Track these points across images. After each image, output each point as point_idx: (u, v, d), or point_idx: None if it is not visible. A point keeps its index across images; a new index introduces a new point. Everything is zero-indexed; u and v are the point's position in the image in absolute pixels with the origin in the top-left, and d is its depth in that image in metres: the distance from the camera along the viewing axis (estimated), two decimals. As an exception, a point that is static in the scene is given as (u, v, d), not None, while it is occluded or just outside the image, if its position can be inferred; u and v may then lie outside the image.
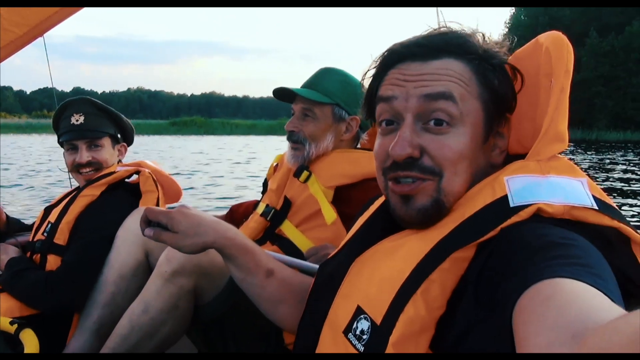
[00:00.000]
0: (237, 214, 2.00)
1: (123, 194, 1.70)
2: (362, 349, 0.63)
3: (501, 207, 0.60)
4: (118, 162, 1.80)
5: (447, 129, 0.67)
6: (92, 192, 1.64)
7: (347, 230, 1.44)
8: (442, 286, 0.59)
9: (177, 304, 1.23)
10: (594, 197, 0.60)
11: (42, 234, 1.63)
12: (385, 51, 0.74)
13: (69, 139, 1.69)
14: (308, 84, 1.58)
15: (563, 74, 0.67)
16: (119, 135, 1.79)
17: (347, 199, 1.49)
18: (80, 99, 1.76)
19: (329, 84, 1.55)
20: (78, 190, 1.67)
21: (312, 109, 1.53)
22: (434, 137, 0.68)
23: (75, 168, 1.71)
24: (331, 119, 1.54)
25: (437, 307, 0.59)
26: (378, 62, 0.76)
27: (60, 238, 1.58)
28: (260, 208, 1.58)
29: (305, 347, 0.78)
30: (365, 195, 1.47)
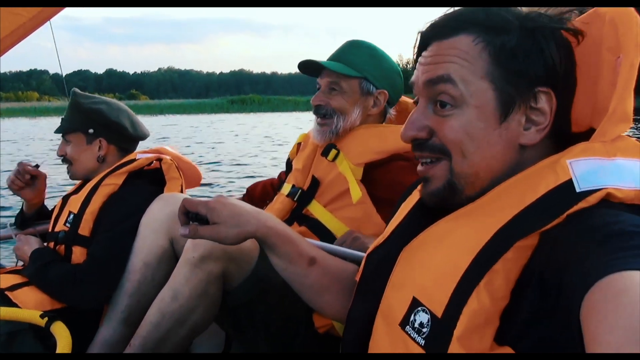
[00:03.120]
0: (255, 196, 1.95)
1: (145, 182, 1.65)
2: (422, 342, 0.61)
3: (566, 192, 0.56)
4: (98, 158, 1.69)
5: (450, 111, 0.66)
6: (114, 181, 1.60)
7: (377, 209, 1.39)
8: (506, 276, 0.56)
9: (206, 289, 1.20)
10: None
11: (64, 224, 1.59)
12: (417, 34, 0.73)
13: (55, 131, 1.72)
14: (335, 57, 1.51)
15: (633, 49, 0.61)
16: (90, 131, 1.67)
17: (375, 180, 1.43)
18: (72, 91, 1.71)
19: (356, 57, 1.49)
20: (100, 178, 1.62)
21: (339, 82, 1.47)
22: (439, 119, 0.68)
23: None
24: (358, 92, 1.48)
25: (501, 297, 0.56)
26: (416, 49, 0.74)
27: (85, 229, 1.55)
28: (286, 189, 1.53)
29: (357, 338, 0.77)
30: (394, 176, 1.40)
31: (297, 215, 1.48)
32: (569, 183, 0.57)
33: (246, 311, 1.26)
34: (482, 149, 0.66)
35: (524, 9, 0.68)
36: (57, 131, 1.70)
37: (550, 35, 0.65)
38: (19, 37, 1.32)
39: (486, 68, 0.65)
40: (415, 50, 0.74)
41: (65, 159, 1.70)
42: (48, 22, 1.35)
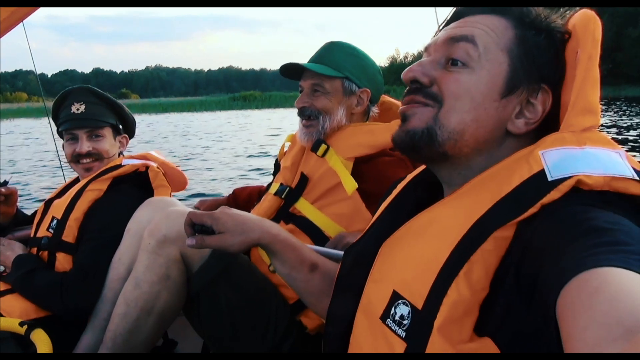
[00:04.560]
0: (240, 199, 1.93)
1: (130, 188, 1.62)
2: (403, 334, 0.61)
3: (539, 181, 0.58)
4: (119, 155, 1.72)
5: (460, 69, 0.68)
6: (99, 187, 1.57)
7: (366, 205, 1.38)
8: (485, 267, 0.57)
9: (168, 273, 1.21)
10: (633, 168, 0.58)
11: (47, 230, 1.56)
12: (450, 12, 0.76)
13: (68, 127, 1.62)
14: (315, 59, 1.51)
15: (590, 43, 0.64)
16: (120, 126, 1.71)
17: (363, 174, 1.43)
18: (80, 87, 1.67)
19: (337, 57, 1.49)
20: (84, 184, 1.59)
21: (322, 83, 1.47)
22: (446, 72, 0.69)
23: (74, 158, 1.63)
24: (342, 92, 1.48)
25: (480, 289, 0.57)
26: (444, 23, 0.76)
27: (69, 235, 1.52)
28: (274, 188, 1.52)
29: (338, 334, 0.77)
30: (380, 170, 1.40)
31: (284, 213, 1.47)
32: (542, 173, 0.58)
33: (209, 293, 1.25)
34: (477, 112, 0.67)
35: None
36: (89, 125, 1.62)
37: (562, 41, 0.69)
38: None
39: (509, 44, 0.67)
40: (443, 24, 0.76)
41: (90, 154, 1.63)
42: (21, 22, 1.33)
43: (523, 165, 0.61)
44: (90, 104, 1.63)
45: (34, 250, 1.57)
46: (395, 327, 0.63)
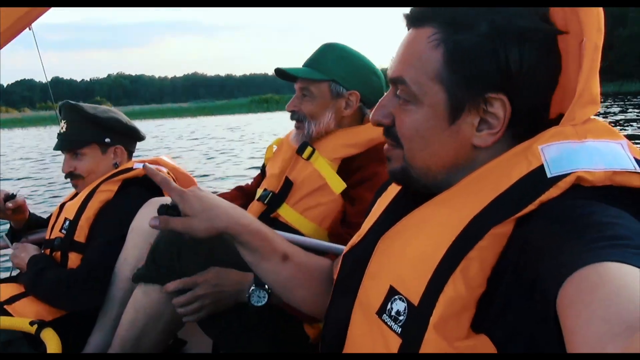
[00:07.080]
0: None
1: (140, 190, 1.65)
2: (399, 330, 0.61)
3: (538, 178, 0.57)
4: (115, 165, 1.72)
5: (405, 105, 0.68)
6: (109, 188, 1.62)
7: (349, 208, 1.38)
8: (482, 264, 0.56)
9: None
10: (635, 159, 0.56)
11: (60, 231, 1.60)
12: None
13: (55, 147, 1.69)
14: (308, 62, 1.53)
15: (595, 32, 0.62)
16: (107, 140, 1.69)
17: (349, 172, 1.44)
18: (65, 104, 1.69)
19: (325, 60, 1.50)
20: (95, 185, 1.63)
21: (308, 87, 1.48)
22: (400, 110, 0.70)
23: (65, 177, 1.71)
24: (328, 95, 1.48)
25: (477, 285, 0.56)
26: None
27: (81, 235, 1.56)
28: (258, 193, 1.55)
29: (334, 333, 0.77)
30: (365, 164, 1.42)
31: (266, 219, 1.47)
32: (541, 169, 0.57)
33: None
34: (432, 147, 0.68)
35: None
36: (66, 147, 1.66)
37: (517, 37, 0.62)
38: None
39: (438, 69, 0.65)
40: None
41: (72, 175, 1.68)
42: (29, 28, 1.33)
43: (521, 161, 0.60)
44: (72, 122, 1.65)
45: (48, 251, 1.62)
46: (391, 323, 0.62)
